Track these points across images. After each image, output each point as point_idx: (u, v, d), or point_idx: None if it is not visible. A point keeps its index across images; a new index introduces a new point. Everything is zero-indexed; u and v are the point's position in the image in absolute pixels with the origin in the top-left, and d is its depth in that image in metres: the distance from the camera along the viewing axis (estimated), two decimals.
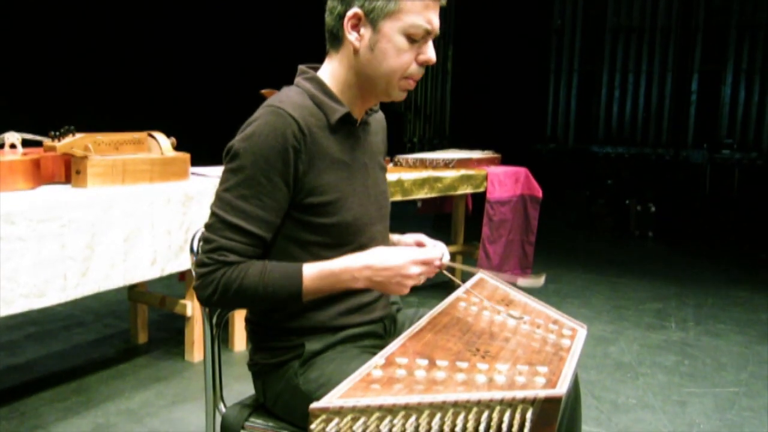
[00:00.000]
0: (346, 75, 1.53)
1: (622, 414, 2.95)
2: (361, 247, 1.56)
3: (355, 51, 1.49)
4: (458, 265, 1.79)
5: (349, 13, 1.46)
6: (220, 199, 1.45)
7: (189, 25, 8.24)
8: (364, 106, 1.60)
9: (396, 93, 1.54)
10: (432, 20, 1.47)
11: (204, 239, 1.45)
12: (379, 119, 1.75)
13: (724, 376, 3.42)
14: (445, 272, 1.67)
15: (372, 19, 1.45)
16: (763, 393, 3.21)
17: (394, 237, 1.76)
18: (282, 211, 1.47)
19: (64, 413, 2.81)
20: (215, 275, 1.42)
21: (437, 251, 1.49)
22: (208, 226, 1.45)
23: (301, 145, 1.44)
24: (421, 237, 1.68)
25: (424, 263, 1.45)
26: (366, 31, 1.47)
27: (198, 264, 1.44)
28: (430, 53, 1.50)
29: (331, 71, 1.55)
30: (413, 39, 1.47)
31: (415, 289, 1.77)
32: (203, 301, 1.45)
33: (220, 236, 1.43)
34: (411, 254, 1.44)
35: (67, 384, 3.10)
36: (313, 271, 1.44)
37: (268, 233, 1.46)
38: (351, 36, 1.48)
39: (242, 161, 1.42)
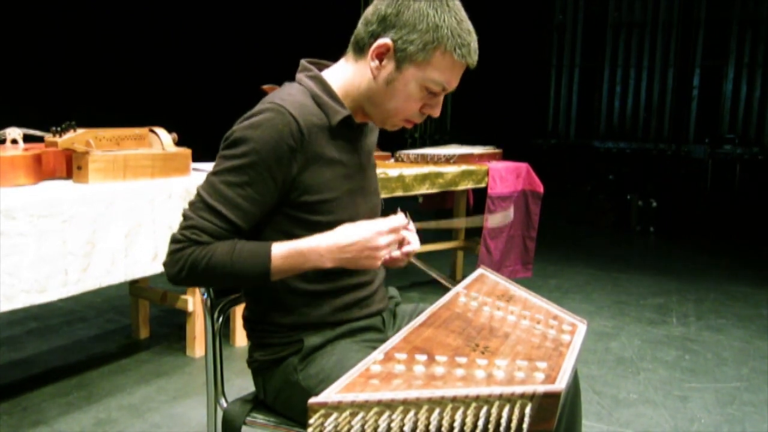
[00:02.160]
0: (355, 88, 1.53)
1: (623, 409, 2.95)
2: None
3: (373, 77, 1.49)
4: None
5: (380, 41, 1.45)
6: (207, 181, 1.45)
7: (190, 21, 8.24)
8: (364, 116, 1.60)
9: (389, 127, 1.57)
10: (452, 81, 1.48)
11: (183, 216, 1.46)
12: None
13: (726, 371, 3.42)
14: (436, 275, 1.68)
15: (399, 57, 1.44)
16: (764, 388, 3.21)
17: None
18: (266, 205, 1.47)
19: (66, 408, 2.82)
20: (184, 252, 1.42)
21: (401, 218, 1.48)
22: (190, 204, 1.46)
23: (298, 144, 1.44)
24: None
25: (391, 231, 1.45)
26: (388, 65, 1.46)
27: (171, 239, 1.45)
28: (435, 109, 1.52)
29: (343, 76, 1.55)
30: (428, 91, 1.48)
31: (415, 285, 1.78)
32: (171, 278, 1.45)
33: (197, 216, 1.43)
34: (376, 226, 1.44)
35: (69, 379, 3.10)
36: (281, 249, 1.43)
37: (245, 223, 1.46)
38: (373, 63, 1.47)
39: (236, 150, 1.42)
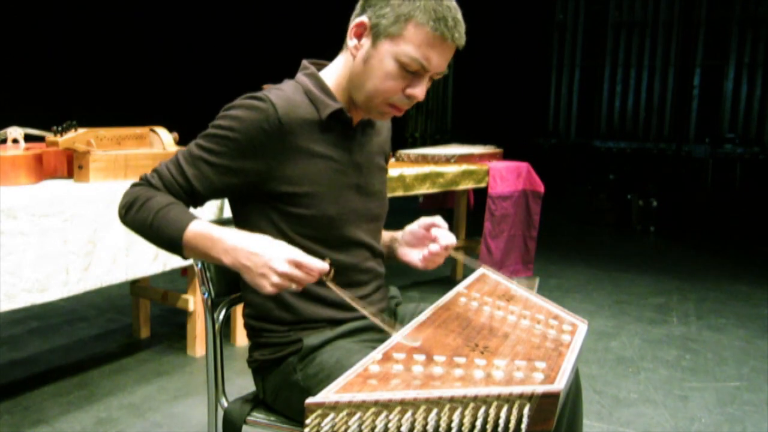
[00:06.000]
0: (343, 77, 1.54)
1: (623, 408, 2.96)
2: (346, 243, 1.57)
3: (353, 57, 1.49)
4: (460, 257, 1.79)
5: (357, 20, 1.47)
6: (187, 145, 1.51)
7: (191, 21, 8.24)
8: (358, 109, 1.60)
9: (375, 113, 1.54)
10: (431, 58, 1.43)
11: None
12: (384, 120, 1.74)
13: (726, 370, 3.42)
14: (461, 257, 1.66)
15: (374, 33, 1.44)
16: (764, 387, 3.21)
17: (406, 228, 1.73)
18: (227, 181, 1.48)
19: (67, 407, 2.82)
20: (135, 188, 1.48)
21: (321, 264, 1.36)
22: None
23: (274, 132, 1.45)
24: (432, 219, 1.63)
25: (299, 266, 1.33)
26: (366, 43, 1.47)
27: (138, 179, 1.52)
28: (417, 90, 1.46)
29: (335, 69, 1.56)
30: (406, 69, 1.44)
31: (416, 284, 1.79)
32: (118, 211, 1.50)
33: (164, 165, 1.50)
34: (288, 252, 1.35)
35: (70, 378, 3.11)
36: (198, 227, 1.41)
37: (201, 187, 1.47)
38: (351, 42, 1.48)
39: (220, 122, 1.47)
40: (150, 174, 1.49)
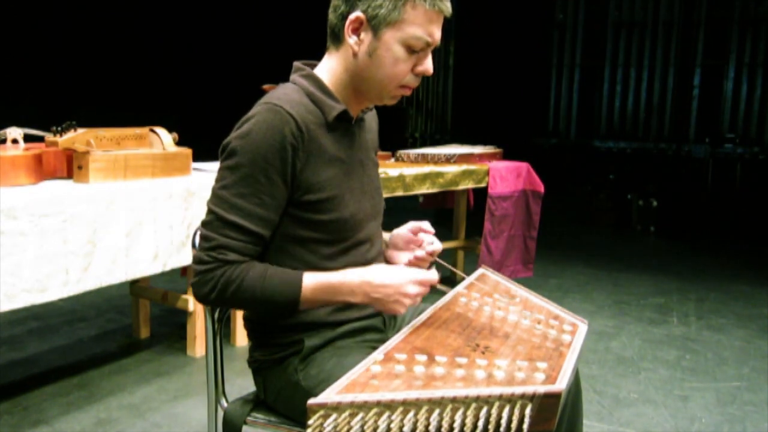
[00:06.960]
0: (342, 74, 1.53)
1: (623, 408, 2.95)
2: (358, 243, 1.57)
3: (354, 54, 1.49)
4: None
5: (352, 16, 1.46)
6: (218, 197, 1.44)
7: (191, 21, 8.24)
8: (359, 105, 1.60)
9: (388, 100, 1.56)
10: (434, 33, 1.47)
11: (203, 237, 1.44)
12: (372, 115, 1.75)
13: (726, 370, 3.42)
14: (447, 265, 1.68)
15: (374, 25, 1.44)
16: (764, 387, 3.21)
17: (394, 231, 1.76)
18: (281, 208, 1.47)
19: (67, 408, 2.82)
20: (215, 273, 1.41)
21: (434, 274, 1.48)
22: (206, 224, 1.45)
23: (298, 142, 1.44)
24: (420, 224, 1.67)
25: (422, 283, 1.44)
26: (366, 36, 1.46)
27: (196, 261, 1.44)
28: (427, 65, 1.51)
29: (329, 69, 1.55)
30: (412, 50, 1.46)
31: None
32: (200, 299, 1.45)
33: (219, 234, 1.42)
34: (410, 274, 1.44)
35: (70, 379, 3.10)
36: (312, 281, 1.44)
37: (267, 231, 1.46)
38: (351, 39, 1.48)
39: (240, 159, 1.42)
40: (214, 252, 1.41)
